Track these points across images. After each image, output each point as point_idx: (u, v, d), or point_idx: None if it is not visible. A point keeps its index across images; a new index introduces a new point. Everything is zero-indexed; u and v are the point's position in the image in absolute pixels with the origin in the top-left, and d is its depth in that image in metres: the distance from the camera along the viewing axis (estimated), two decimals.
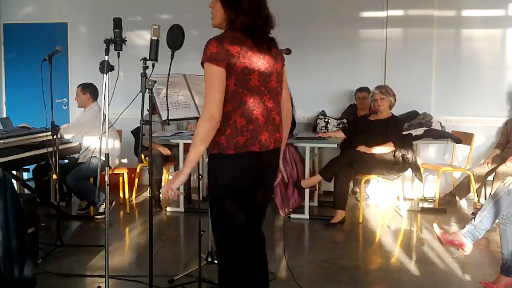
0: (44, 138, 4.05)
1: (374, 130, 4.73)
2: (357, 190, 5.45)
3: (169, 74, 2.67)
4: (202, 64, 2.04)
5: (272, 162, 2.24)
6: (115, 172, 4.95)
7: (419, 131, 5.08)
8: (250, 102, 2.06)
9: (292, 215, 4.83)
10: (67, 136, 4.65)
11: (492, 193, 3.33)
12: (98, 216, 4.75)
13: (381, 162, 4.62)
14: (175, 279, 3.14)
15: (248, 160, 2.08)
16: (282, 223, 4.60)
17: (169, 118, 2.76)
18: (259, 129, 2.09)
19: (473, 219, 3.15)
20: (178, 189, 2.11)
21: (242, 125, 2.05)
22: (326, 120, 5.73)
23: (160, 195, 5.52)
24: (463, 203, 5.45)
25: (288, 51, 3.57)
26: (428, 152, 5.82)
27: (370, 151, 4.62)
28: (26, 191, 4.58)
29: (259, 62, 2.08)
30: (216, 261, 3.25)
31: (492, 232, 3.84)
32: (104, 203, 4.45)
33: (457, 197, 5.39)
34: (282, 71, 2.22)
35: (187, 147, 4.87)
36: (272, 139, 2.16)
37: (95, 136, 4.68)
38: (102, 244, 3.41)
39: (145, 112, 2.64)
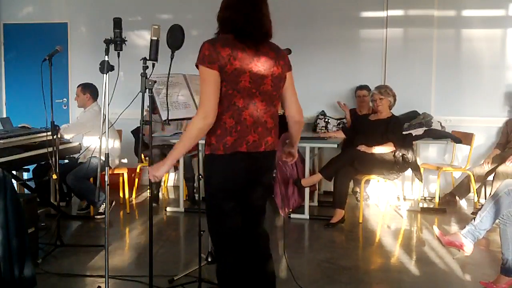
0: (44, 138, 4.05)
1: (374, 130, 4.72)
2: (357, 190, 5.45)
3: (169, 74, 2.66)
4: (196, 66, 2.07)
5: (264, 164, 2.22)
6: (115, 172, 4.95)
7: (419, 131, 5.08)
8: (239, 103, 2.07)
9: (292, 215, 4.83)
10: (67, 136, 4.65)
11: (492, 193, 3.33)
12: (98, 216, 4.74)
13: (381, 162, 4.62)
14: (175, 279, 3.14)
15: (237, 161, 2.10)
16: (282, 223, 4.59)
17: (169, 118, 2.76)
18: (247, 129, 2.10)
19: (473, 219, 3.15)
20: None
21: (231, 125, 2.07)
22: (326, 120, 5.73)
23: (159, 193, 5.55)
24: (463, 203, 5.45)
25: (288, 51, 3.57)
26: (428, 152, 5.82)
27: (370, 151, 4.62)
28: (26, 191, 4.57)
29: (251, 64, 2.08)
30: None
31: (492, 232, 3.83)
32: (104, 203, 4.45)
33: (457, 197, 5.39)
34: (281, 75, 2.19)
35: None
36: (263, 141, 2.15)
37: (95, 136, 4.68)
38: (102, 244, 3.41)
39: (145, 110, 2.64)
